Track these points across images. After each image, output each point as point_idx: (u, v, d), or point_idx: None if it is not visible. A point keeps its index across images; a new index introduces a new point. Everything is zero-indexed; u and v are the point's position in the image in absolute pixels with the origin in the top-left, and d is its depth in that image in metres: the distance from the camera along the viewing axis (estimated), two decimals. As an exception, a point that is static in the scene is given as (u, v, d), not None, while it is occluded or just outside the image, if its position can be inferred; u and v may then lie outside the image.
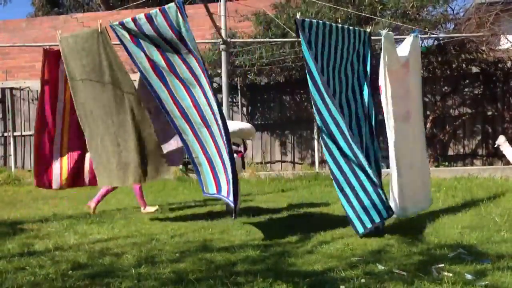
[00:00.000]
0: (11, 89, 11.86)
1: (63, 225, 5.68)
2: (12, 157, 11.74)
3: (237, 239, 4.78)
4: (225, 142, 4.84)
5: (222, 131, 4.88)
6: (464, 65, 10.42)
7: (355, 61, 5.22)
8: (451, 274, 3.45)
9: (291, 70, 10.47)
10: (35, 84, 11.85)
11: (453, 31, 10.33)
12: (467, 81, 10.66)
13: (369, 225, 4.74)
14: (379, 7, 9.70)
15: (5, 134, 11.95)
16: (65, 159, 6.04)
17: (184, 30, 4.89)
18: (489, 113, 10.55)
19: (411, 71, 5.70)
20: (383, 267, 3.69)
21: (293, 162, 11.16)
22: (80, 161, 6.06)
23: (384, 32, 5.27)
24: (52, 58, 5.89)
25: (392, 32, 5.57)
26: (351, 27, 5.18)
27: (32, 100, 11.87)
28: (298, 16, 4.76)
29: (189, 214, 6.29)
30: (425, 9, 10.01)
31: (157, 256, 4.23)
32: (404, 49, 5.61)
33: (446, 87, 10.69)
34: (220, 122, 4.85)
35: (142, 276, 3.66)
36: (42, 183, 5.98)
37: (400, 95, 5.43)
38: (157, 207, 6.56)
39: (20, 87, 11.91)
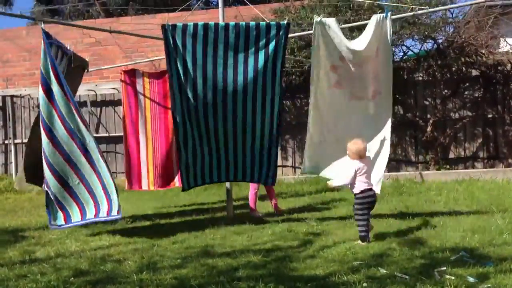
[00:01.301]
0: (12, 96, 11.87)
1: (64, 232, 5.67)
2: (13, 165, 11.74)
3: (238, 244, 4.77)
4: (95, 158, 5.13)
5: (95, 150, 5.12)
6: (464, 68, 10.42)
7: (260, 57, 5.16)
8: (453, 277, 3.44)
9: (291, 75, 10.47)
10: (36, 92, 11.84)
11: (452, 34, 10.34)
12: (467, 84, 10.66)
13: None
14: (378, 12, 9.71)
15: (6, 142, 11.95)
16: (150, 163, 7.04)
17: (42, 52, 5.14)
18: (490, 115, 10.54)
19: (380, 56, 5.42)
20: (385, 271, 3.68)
21: (294, 167, 11.15)
22: (165, 165, 7.07)
23: (318, 18, 5.20)
24: (127, 76, 6.97)
25: (333, 18, 5.44)
26: (254, 22, 5.15)
27: (33, 107, 11.88)
28: (166, 23, 5.06)
29: (190, 220, 6.28)
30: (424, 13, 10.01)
31: (158, 262, 4.22)
32: (367, 35, 5.37)
33: (446, 91, 10.69)
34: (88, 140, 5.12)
35: (144, 282, 3.65)
36: (133, 187, 7.11)
37: (362, 76, 5.47)
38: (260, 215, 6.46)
39: (20, 94, 11.92)
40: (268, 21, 5.30)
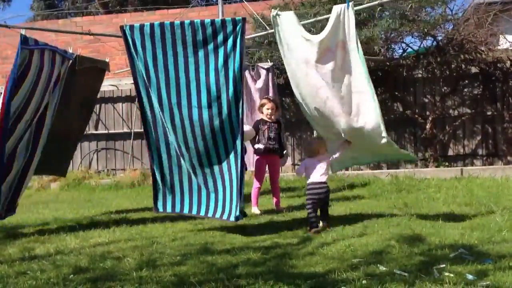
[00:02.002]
0: (11, 93, 11.86)
1: (64, 229, 5.68)
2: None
3: (238, 242, 4.77)
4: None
5: None
6: (463, 66, 10.42)
7: (220, 54, 5.01)
8: (452, 275, 3.44)
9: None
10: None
11: (451, 31, 10.34)
12: (466, 81, 10.66)
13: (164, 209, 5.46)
14: (378, 9, 9.70)
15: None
16: None
17: None
18: (489, 113, 10.54)
19: (351, 53, 4.99)
20: (384, 268, 3.68)
21: (293, 164, 11.15)
22: None
23: (274, 12, 5.03)
24: None
25: (291, 12, 5.24)
26: (209, 19, 5.01)
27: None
28: (124, 24, 5.04)
29: (189, 217, 6.27)
30: (424, 10, 10.02)
31: (158, 259, 4.23)
32: (327, 27, 5.03)
33: (445, 88, 10.69)
34: None
35: (143, 280, 3.65)
36: None
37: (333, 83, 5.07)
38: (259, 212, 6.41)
39: (19, 91, 11.90)
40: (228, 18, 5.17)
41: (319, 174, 5.29)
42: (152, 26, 5.00)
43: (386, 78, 10.58)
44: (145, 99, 5.24)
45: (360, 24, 9.61)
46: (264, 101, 6.54)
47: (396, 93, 10.74)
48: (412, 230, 4.92)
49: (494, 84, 10.52)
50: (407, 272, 3.56)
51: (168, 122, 5.19)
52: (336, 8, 4.96)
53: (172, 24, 5.00)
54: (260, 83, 8.08)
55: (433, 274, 3.51)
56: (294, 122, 10.96)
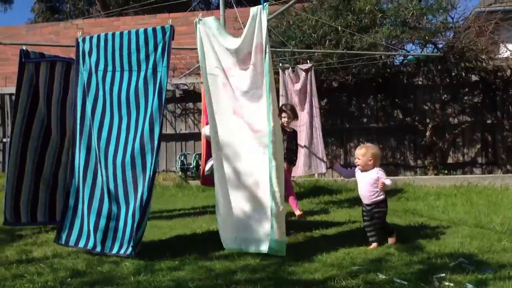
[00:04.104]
0: (11, 95, 11.84)
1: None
2: (11, 163, 11.68)
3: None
4: None
5: None
6: (463, 74, 10.44)
7: (150, 64, 4.91)
8: (452, 284, 3.43)
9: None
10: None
11: (452, 39, 10.37)
12: (467, 89, 10.67)
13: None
14: (379, 15, 9.73)
15: (4, 140, 11.91)
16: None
17: None
18: (489, 121, 10.55)
19: (265, 57, 4.59)
20: (383, 276, 3.67)
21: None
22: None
23: (197, 18, 4.89)
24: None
25: (213, 17, 4.96)
26: (142, 29, 4.96)
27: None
28: (79, 36, 5.17)
29: (188, 221, 6.26)
30: (425, 18, 10.04)
31: (156, 264, 4.20)
32: (244, 32, 4.69)
33: (445, 96, 10.70)
34: None
35: (141, 284, 3.63)
36: (204, 182, 6.97)
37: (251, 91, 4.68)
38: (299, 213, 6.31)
39: (19, 93, 11.88)
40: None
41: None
42: (98, 36, 5.12)
43: (386, 85, 10.59)
44: (79, 115, 5.11)
45: (361, 30, 9.64)
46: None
47: (397, 100, 10.75)
48: (411, 238, 4.90)
49: (494, 93, 10.54)
50: (406, 281, 3.54)
51: (96, 132, 5.04)
52: (253, 10, 4.63)
53: (113, 34, 5.09)
54: (299, 85, 7.99)
55: (433, 283, 3.49)
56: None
